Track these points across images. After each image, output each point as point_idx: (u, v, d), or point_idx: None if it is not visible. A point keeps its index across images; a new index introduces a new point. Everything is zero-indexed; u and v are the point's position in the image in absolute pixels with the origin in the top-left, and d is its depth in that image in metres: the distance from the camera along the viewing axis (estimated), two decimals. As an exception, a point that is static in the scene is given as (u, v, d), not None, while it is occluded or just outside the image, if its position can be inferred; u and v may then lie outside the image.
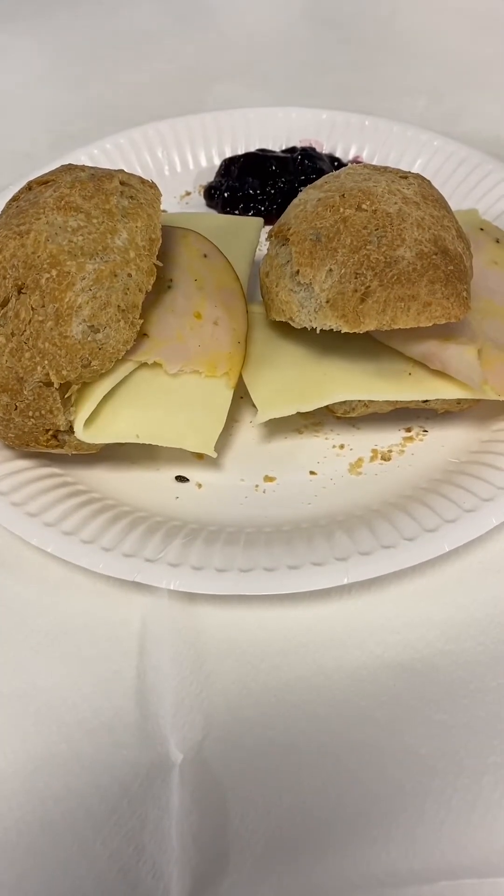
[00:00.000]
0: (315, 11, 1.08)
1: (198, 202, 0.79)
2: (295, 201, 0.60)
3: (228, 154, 0.81)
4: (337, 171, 0.61)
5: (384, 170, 0.59)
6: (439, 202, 0.57)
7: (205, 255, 0.62)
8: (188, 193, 0.80)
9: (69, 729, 0.46)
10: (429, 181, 0.60)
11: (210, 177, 0.80)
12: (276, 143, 0.82)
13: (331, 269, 0.53)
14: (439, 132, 0.85)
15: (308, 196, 0.58)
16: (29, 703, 0.48)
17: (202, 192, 0.79)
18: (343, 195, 0.55)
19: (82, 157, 0.79)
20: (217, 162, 0.81)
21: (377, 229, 0.53)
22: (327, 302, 0.53)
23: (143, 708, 0.47)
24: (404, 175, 0.58)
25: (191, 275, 0.60)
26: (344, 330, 0.53)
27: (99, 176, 0.57)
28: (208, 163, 0.82)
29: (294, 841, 0.41)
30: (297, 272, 0.55)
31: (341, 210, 0.54)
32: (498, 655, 0.48)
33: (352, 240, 0.53)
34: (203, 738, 0.45)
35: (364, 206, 0.54)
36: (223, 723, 0.46)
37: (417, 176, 0.59)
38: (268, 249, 0.60)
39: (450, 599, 0.51)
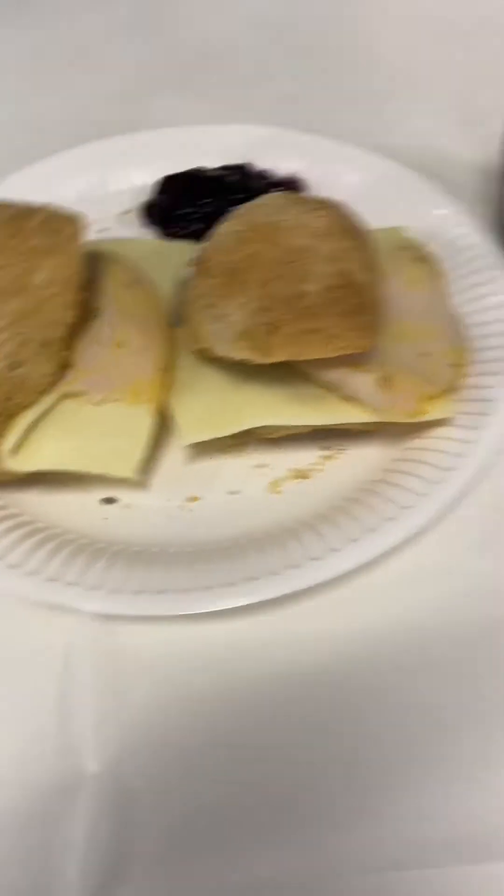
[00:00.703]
0: (259, 22, 1.09)
1: (136, 220, 0.81)
2: (213, 233, 0.62)
3: (167, 172, 0.83)
4: (255, 201, 0.63)
5: (299, 200, 0.62)
6: (350, 233, 0.60)
7: (130, 284, 0.64)
8: (128, 212, 0.82)
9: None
10: (344, 210, 0.62)
11: (149, 194, 0.82)
12: (215, 161, 0.83)
13: (242, 303, 0.56)
14: (375, 145, 0.87)
15: (225, 228, 0.61)
16: None
17: (141, 211, 0.81)
18: (254, 229, 0.58)
19: (20, 181, 0.80)
20: (155, 179, 0.83)
21: (285, 264, 0.56)
22: (240, 334, 0.56)
23: (64, 725, 0.50)
24: (317, 207, 0.61)
25: (116, 304, 0.63)
26: (255, 361, 0.56)
27: (20, 215, 0.59)
28: (148, 180, 0.83)
29: (195, 846, 0.45)
30: (214, 304, 0.58)
31: (251, 245, 0.57)
32: (393, 666, 0.52)
33: (261, 274, 0.56)
34: (118, 752, 0.49)
35: (273, 241, 0.57)
36: (139, 735, 0.50)
37: (331, 206, 0.61)
38: (188, 280, 0.62)
39: (355, 613, 0.54)
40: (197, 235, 0.77)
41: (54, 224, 0.59)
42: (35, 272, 0.56)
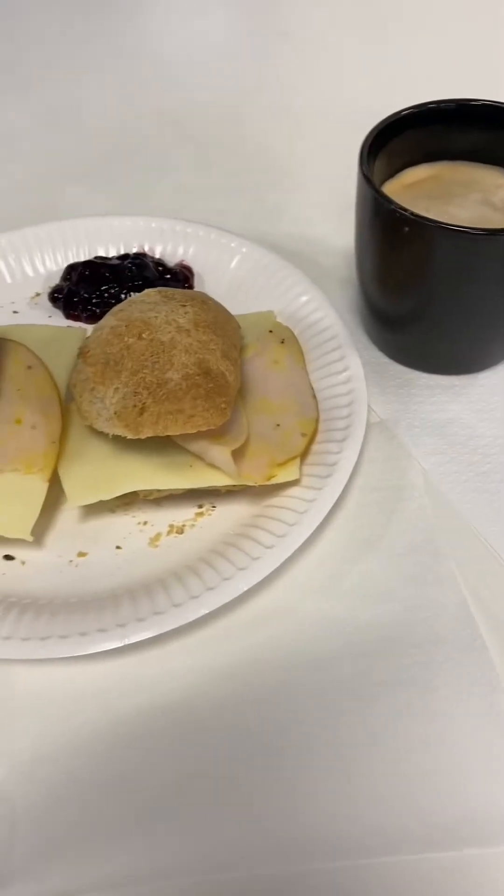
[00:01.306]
0: (163, 116, 1.22)
1: (45, 303, 0.91)
2: (97, 325, 0.73)
3: (72, 259, 0.94)
4: (133, 297, 0.74)
5: (170, 297, 0.73)
6: (211, 326, 0.71)
7: (29, 367, 0.74)
8: (38, 294, 0.92)
9: None
10: (209, 304, 0.74)
11: (57, 279, 0.93)
12: (115, 248, 0.95)
13: (117, 388, 0.66)
14: (260, 232, 1.00)
15: (106, 322, 0.71)
16: None
17: (48, 295, 0.91)
18: (128, 325, 0.69)
19: None
20: (63, 266, 0.93)
21: (152, 355, 0.66)
22: (115, 414, 0.66)
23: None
24: (184, 303, 0.72)
25: (14, 385, 0.73)
26: (128, 437, 0.66)
27: None
28: (56, 266, 0.94)
29: (70, 849, 0.54)
30: (94, 388, 0.68)
31: (125, 339, 0.68)
32: (243, 697, 0.61)
33: (132, 364, 0.66)
34: (5, 776, 0.57)
35: (144, 336, 0.68)
36: (24, 762, 0.58)
37: (197, 302, 0.73)
38: (77, 365, 0.72)
39: (215, 650, 0.64)
40: (96, 318, 0.88)
41: (-42, 320, 0.69)
42: None
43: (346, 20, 1.35)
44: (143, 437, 0.66)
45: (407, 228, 0.68)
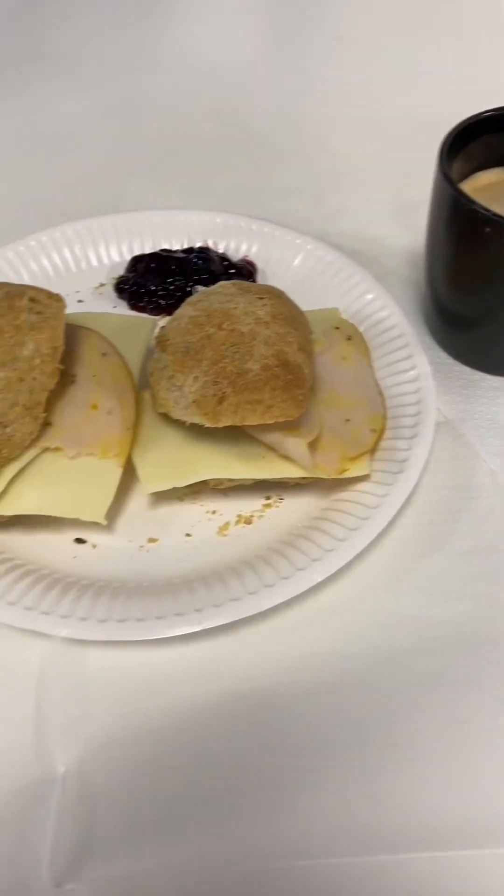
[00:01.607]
0: (223, 113, 1.23)
1: (110, 293, 0.92)
2: (175, 314, 0.73)
3: (137, 251, 0.95)
4: (210, 288, 0.75)
5: (247, 290, 0.74)
6: (287, 320, 0.72)
7: (103, 354, 0.75)
8: (102, 285, 0.93)
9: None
10: (283, 298, 0.74)
11: (121, 270, 0.94)
12: (179, 242, 0.96)
13: (196, 377, 0.67)
14: (320, 232, 1.01)
15: (184, 312, 0.72)
16: None
17: (114, 285, 0.92)
18: (209, 315, 0.70)
19: (9, 254, 0.91)
20: (128, 257, 0.94)
21: (233, 346, 0.67)
22: (194, 402, 0.67)
23: (37, 732, 0.59)
24: (261, 296, 0.72)
25: (90, 371, 0.74)
26: (206, 425, 0.67)
27: (12, 294, 0.70)
28: (120, 258, 0.95)
29: (144, 831, 0.54)
30: (173, 376, 0.69)
31: (206, 328, 0.69)
32: (320, 684, 0.62)
33: (212, 353, 0.67)
34: (83, 755, 0.58)
35: (224, 326, 0.68)
36: (100, 742, 0.59)
37: (273, 296, 0.73)
38: (152, 354, 0.73)
39: (286, 639, 0.64)
40: (161, 310, 0.89)
41: (40, 303, 0.70)
42: (23, 346, 0.66)
43: (403, 25, 1.37)
44: (220, 425, 0.66)
45: (488, 229, 0.68)
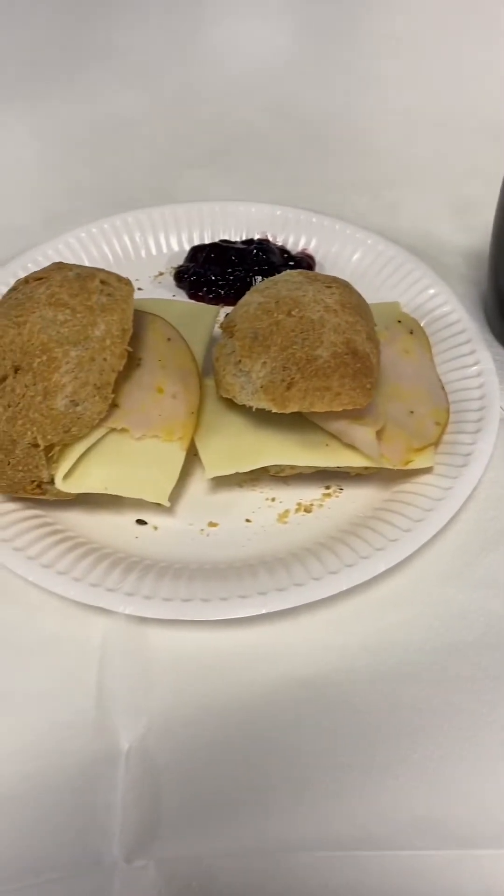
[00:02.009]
0: (279, 106, 1.24)
1: (168, 282, 0.93)
2: (242, 301, 0.74)
3: (196, 241, 0.96)
4: (276, 277, 0.75)
5: (314, 278, 0.74)
6: (356, 309, 0.72)
7: (168, 339, 0.76)
8: (161, 274, 0.94)
9: (39, 723, 0.59)
10: (350, 288, 0.74)
11: (180, 259, 0.95)
12: (237, 234, 0.96)
13: (265, 362, 0.67)
14: (377, 227, 1.00)
15: (251, 299, 0.73)
16: (7, 703, 0.60)
17: (173, 274, 0.93)
18: (277, 302, 0.70)
19: (71, 240, 0.93)
20: (186, 247, 0.95)
21: (302, 332, 0.67)
22: (261, 388, 0.67)
23: (100, 708, 0.59)
24: (329, 285, 0.73)
25: (156, 355, 0.74)
26: (273, 410, 0.67)
27: (84, 276, 0.71)
28: (179, 247, 0.96)
29: (209, 812, 0.54)
30: (240, 362, 0.69)
31: (275, 315, 0.69)
32: (382, 673, 0.62)
33: (282, 340, 0.67)
34: (146, 732, 0.58)
35: (293, 313, 0.68)
36: (163, 720, 0.59)
37: (341, 285, 0.73)
38: (219, 339, 0.74)
39: (346, 628, 0.64)
40: (220, 299, 0.90)
41: (110, 285, 0.71)
42: (94, 326, 0.67)
43: (462, 23, 1.36)
44: (288, 411, 0.66)
45: None
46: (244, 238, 0.96)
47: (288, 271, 0.76)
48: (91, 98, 1.23)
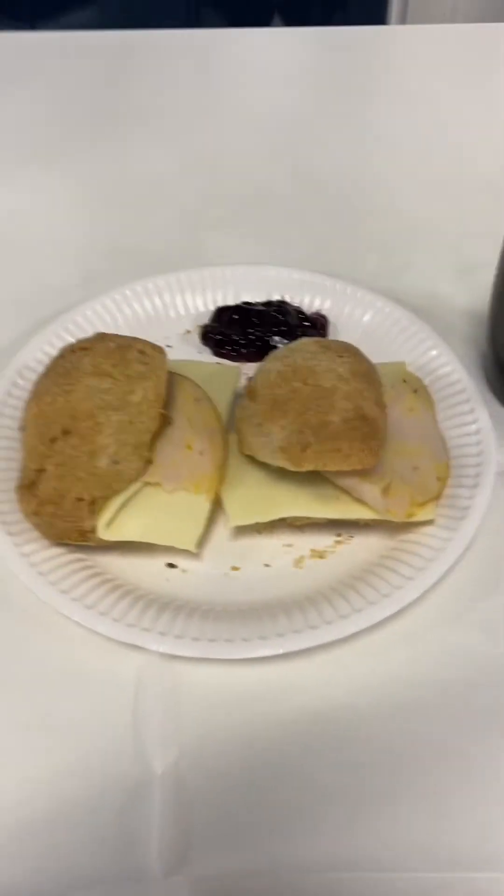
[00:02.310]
0: (296, 168, 1.33)
1: (194, 339, 1.02)
2: (262, 367, 0.82)
3: (220, 302, 1.05)
4: (293, 345, 0.84)
5: (326, 347, 0.82)
6: (365, 376, 0.80)
7: (196, 400, 0.84)
8: (188, 332, 1.03)
9: (79, 749, 0.65)
10: (360, 356, 0.83)
11: (205, 318, 1.03)
12: (258, 295, 1.05)
13: (283, 426, 0.76)
14: (386, 287, 1.09)
15: (271, 366, 0.81)
16: (47, 729, 0.67)
17: (199, 333, 1.02)
18: (294, 371, 0.78)
19: (107, 301, 1.02)
20: (211, 307, 1.04)
21: (316, 400, 0.76)
22: (280, 448, 0.75)
23: (135, 736, 0.67)
24: (341, 354, 0.81)
25: (185, 415, 0.83)
26: (290, 469, 0.75)
27: (123, 346, 0.80)
28: (204, 307, 1.05)
29: (240, 832, 0.61)
30: (261, 424, 0.77)
31: (292, 383, 0.77)
32: (387, 707, 0.69)
33: (298, 406, 0.76)
34: (177, 759, 0.65)
35: (308, 381, 0.77)
36: (193, 749, 0.66)
37: (352, 354, 0.82)
38: (243, 401, 0.82)
39: (356, 666, 0.71)
40: (241, 357, 0.99)
41: (146, 354, 0.80)
42: (133, 393, 0.76)
43: (469, 84, 1.46)
44: (303, 470, 0.75)
45: None
46: (264, 300, 1.04)
47: (303, 340, 0.85)
48: (118, 161, 1.33)
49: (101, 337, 0.82)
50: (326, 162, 1.36)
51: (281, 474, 0.79)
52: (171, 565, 0.79)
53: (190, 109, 1.47)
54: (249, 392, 0.81)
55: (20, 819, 0.62)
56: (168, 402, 0.81)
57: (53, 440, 0.74)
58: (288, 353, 0.82)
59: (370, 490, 0.76)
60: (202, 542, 0.79)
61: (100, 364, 0.77)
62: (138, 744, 0.67)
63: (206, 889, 0.59)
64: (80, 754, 0.66)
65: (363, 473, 0.76)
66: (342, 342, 0.87)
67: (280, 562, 0.79)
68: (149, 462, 0.77)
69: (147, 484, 0.77)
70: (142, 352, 0.80)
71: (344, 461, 0.74)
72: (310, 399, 0.76)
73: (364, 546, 0.80)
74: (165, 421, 0.80)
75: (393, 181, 1.31)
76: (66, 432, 0.74)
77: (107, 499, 0.75)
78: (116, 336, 0.82)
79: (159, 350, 0.82)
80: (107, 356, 0.78)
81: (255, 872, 0.60)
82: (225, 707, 0.69)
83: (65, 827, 0.62)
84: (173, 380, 0.85)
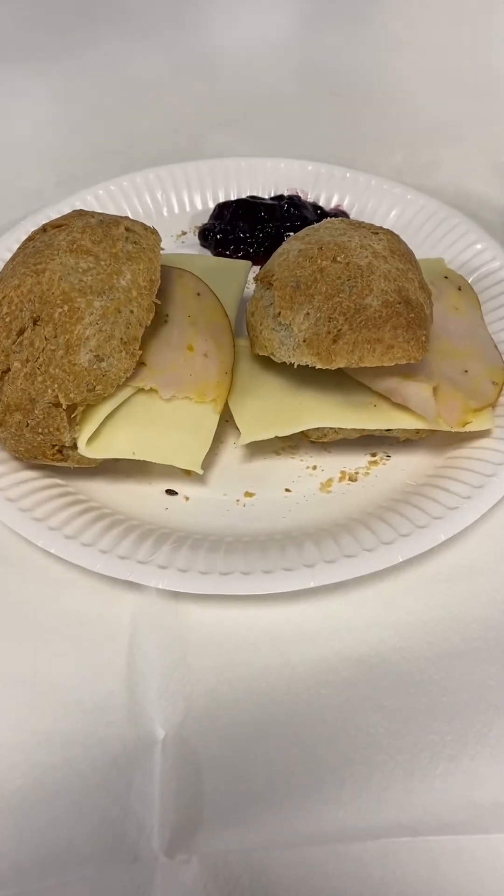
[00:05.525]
0: (305, 67, 1.17)
1: (192, 242, 0.87)
2: (279, 250, 0.68)
3: (222, 199, 0.90)
4: (316, 225, 0.69)
5: (358, 225, 0.68)
6: (406, 256, 0.65)
7: (198, 294, 0.70)
8: (184, 233, 0.88)
9: (67, 709, 0.53)
10: (398, 236, 0.68)
11: (204, 219, 0.88)
12: (266, 191, 0.90)
13: (308, 313, 0.61)
14: (413, 185, 0.94)
15: (290, 246, 0.66)
16: (32, 687, 0.54)
17: (197, 233, 0.87)
18: (321, 248, 0.63)
19: (88, 198, 0.87)
20: (211, 205, 0.89)
21: (349, 279, 0.61)
22: (304, 341, 0.61)
23: (131, 692, 0.53)
24: (376, 231, 0.66)
25: (185, 311, 0.68)
26: (318, 366, 0.61)
27: (107, 222, 0.64)
28: (203, 206, 0.90)
29: (257, 801, 0.48)
30: (279, 314, 0.63)
31: (319, 261, 0.62)
32: (441, 652, 0.56)
33: (327, 288, 0.61)
34: (183, 718, 0.52)
35: (339, 259, 0.62)
36: (201, 705, 0.53)
37: (388, 232, 0.67)
38: (254, 292, 0.67)
39: (402, 604, 0.58)
40: (249, 257, 0.83)
41: (136, 233, 0.65)
42: (120, 275, 0.61)
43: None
44: (334, 367, 0.60)
45: None
46: (273, 195, 0.89)
47: (329, 219, 0.70)
48: (107, 59, 1.17)
49: (80, 213, 0.66)
50: (340, 61, 1.19)
51: (302, 379, 0.65)
52: (170, 491, 0.65)
53: (183, 4, 1.30)
54: (264, 277, 0.66)
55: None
56: (164, 296, 0.66)
57: (21, 331, 0.59)
58: (311, 231, 0.67)
59: (418, 391, 0.61)
60: (208, 463, 0.65)
61: (78, 240, 0.62)
62: (135, 703, 0.53)
63: (221, 867, 0.46)
64: (66, 717, 0.53)
65: (407, 372, 0.62)
66: (374, 224, 0.72)
67: (303, 486, 0.66)
68: (141, 364, 0.63)
69: (140, 390, 0.63)
70: (130, 230, 0.64)
71: (385, 354, 0.59)
72: (341, 279, 0.61)
73: (405, 466, 0.66)
74: (160, 317, 0.65)
75: (413, 81, 1.15)
76: (36, 320, 0.59)
77: (89, 407, 0.60)
78: (98, 213, 0.67)
79: (151, 230, 0.66)
80: (87, 232, 0.62)
81: (282, 845, 0.47)
82: (241, 654, 0.55)
83: (48, 801, 0.49)
84: (170, 273, 0.70)
